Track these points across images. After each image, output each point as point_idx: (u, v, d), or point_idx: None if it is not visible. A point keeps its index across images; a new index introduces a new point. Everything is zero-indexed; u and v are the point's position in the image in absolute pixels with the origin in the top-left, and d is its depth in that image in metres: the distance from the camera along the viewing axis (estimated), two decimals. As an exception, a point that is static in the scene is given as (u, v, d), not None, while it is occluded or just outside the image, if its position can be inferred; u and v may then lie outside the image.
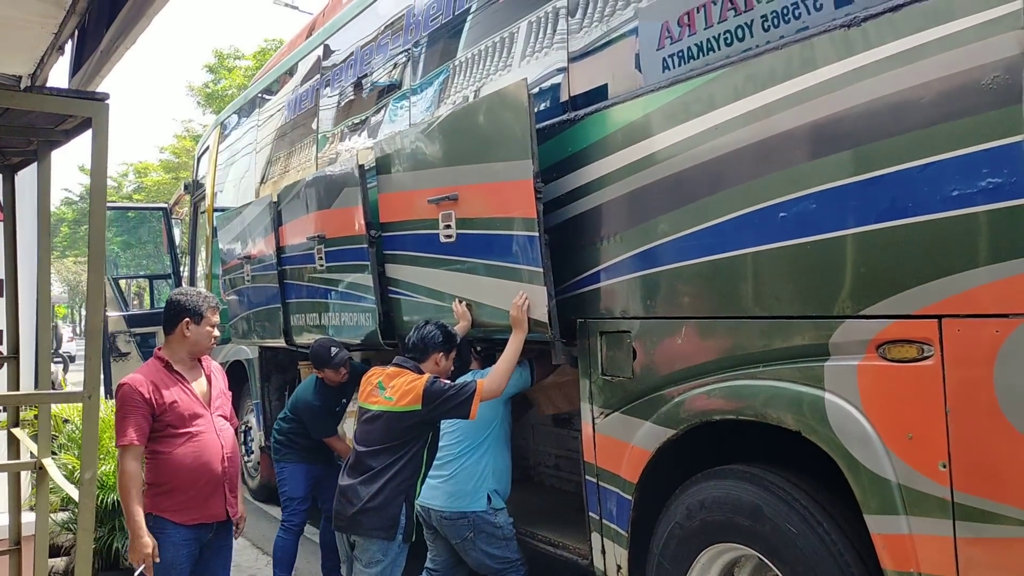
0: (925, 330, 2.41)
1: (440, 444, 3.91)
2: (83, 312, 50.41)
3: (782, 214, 2.82)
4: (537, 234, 3.62)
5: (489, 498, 4.14)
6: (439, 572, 4.30)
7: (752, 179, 2.94)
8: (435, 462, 3.97)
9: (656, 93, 3.32)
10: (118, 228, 23.57)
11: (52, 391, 2.78)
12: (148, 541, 3.38)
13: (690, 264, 3.17)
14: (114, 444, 5.01)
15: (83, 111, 2.36)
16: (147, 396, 3.47)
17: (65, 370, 18.05)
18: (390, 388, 3.64)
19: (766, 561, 2.97)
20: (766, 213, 2.88)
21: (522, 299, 3.67)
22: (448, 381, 3.66)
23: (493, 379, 3.65)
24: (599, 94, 3.65)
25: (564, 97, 3.86)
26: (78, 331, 44.43)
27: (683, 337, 3.22)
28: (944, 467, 2.37)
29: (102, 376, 9.00)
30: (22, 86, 2.48)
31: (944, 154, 2.38)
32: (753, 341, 2.95)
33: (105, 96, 2.34)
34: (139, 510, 3.39)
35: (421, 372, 3.69)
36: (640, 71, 3.41)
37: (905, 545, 2.47)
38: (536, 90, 3.96)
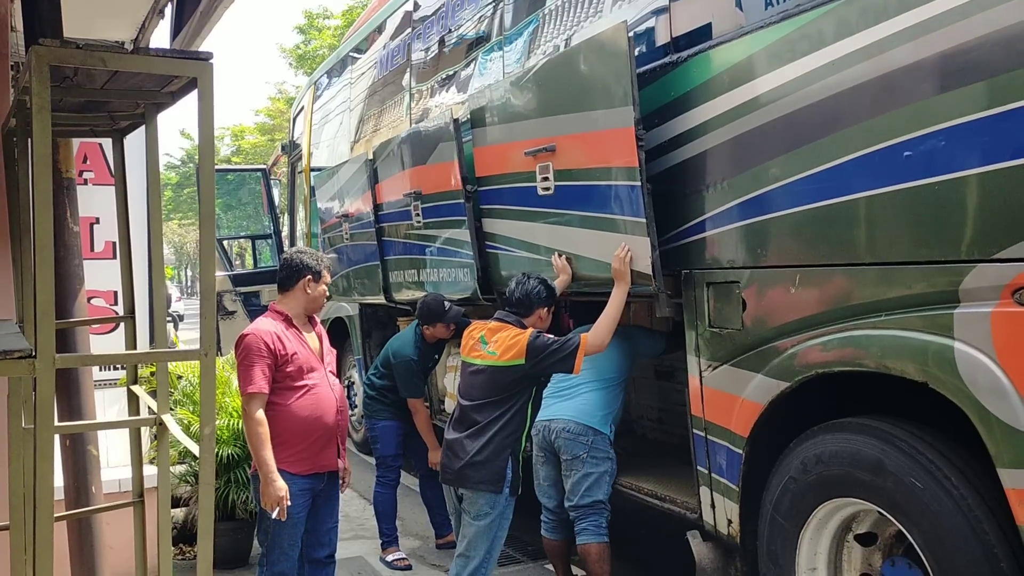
0: (1068, 273, 2.24)
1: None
2: (189, 273, 52.38)
3: (907, 153, 2.65)
4: (639, 183, 3.51)
5: (611, 428, 4.12)
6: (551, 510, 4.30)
7: (871, 118, 2.77)
8: (562, 385, 3.95)
9: (763, 31, 3.16)
10: (219, 191, 24.30)
11: (169, 349, 2.86)
12: (282, 485, 3.49)
13: (804, 209, 3.03)
14: (224, 399, 5.21)
15: (188, 71, 2.36)
16: (271, 346, 3.56)
17: (176, 328, 18.81)
18: (493, 343, 3.63)
19: (887, 516, 2.86)
20: (889, 153, 2.71)
21: (624, 251, 3.59)
22: (551, 336, 3.62)
23: (597, 333, 3.60)
24: (702, 34, 3.51)
25: (665, 39, 3.72)
26: (186, 291, 46.30)
27: (797, 286, 3.10)
28: (1089, 419, 2.22)
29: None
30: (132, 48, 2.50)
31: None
32: (873, 289, 2.81)
33: (209, 55, 2.34)
34: (271, 456, 3.49)
35: (524, 327, 3.67)
36: (741, 8, 3.25)
37: (1044, 501, 2.33)
38: (634, 33, 3.84)
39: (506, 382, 3.57)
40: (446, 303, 5.08)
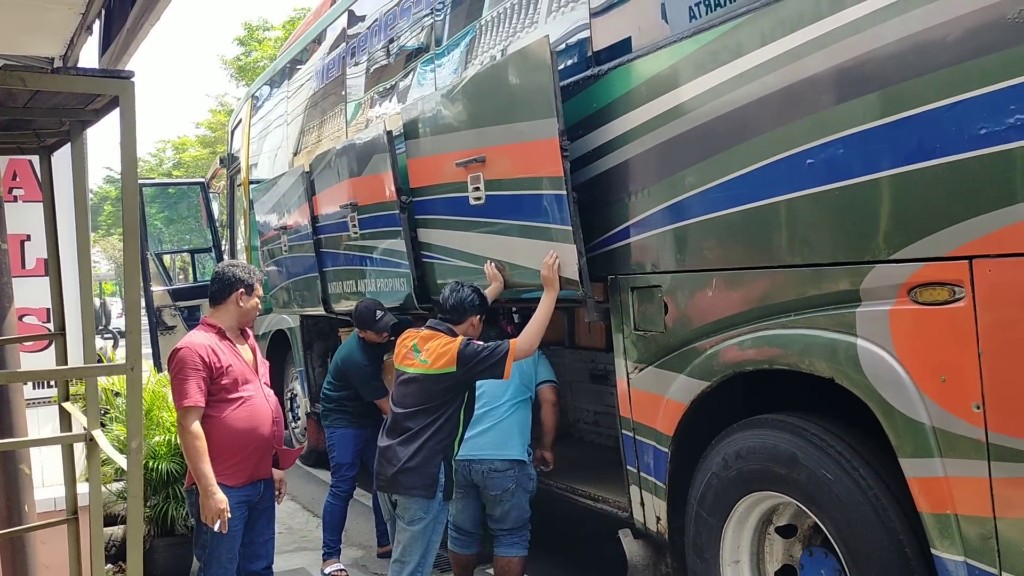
0: (956, 272, 2.39)
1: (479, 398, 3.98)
2: (131, 289, 51.27)
3: (809, 160, 2.79)
4: (565, 192, 3.62)
5: (528, 451, 4.22)
6: (466, 531, 4.39)
7: (778, 126, 2.91)
8: (478, 414, 4.04)
9: (680, 43, 3.28)
10: (160, 204, 23.93)
11: (96, 364, 2.86)
12: (222, 497, 3.50)
13: (718, 215, 3.16)
14: (162, 415, 5.18)
15: (110, 90, 2.39)
16: (206, 359, 3.58)
17: (115, 346, 18.48)
18: (425, 351, 3.69)
19: (803, 508, 2.99)
20: (793, 160, 2.85)
21: (552, 258, 3.68)
22: (481, 343, 3.70)
23: (526, 339, 3.68)
24: (623, 48, 3.63)
25: (586, 52, 3.83)
26: (127, 308, 45.35)
27: (714, 289, 3.22)
28: (978, 408, 2.36)
29: (150, 349, 9.22)
30: (54, 67, 2.52)
31: (970, 92, 2.34)
32: (784, 290, 2.94)
33: (130, 74, 2.37)
34: (210, 469, 3.50)
35: (455, 334, 3.73)
36: (666, 21, 3.38)
37: (941, 487, 2.47)
38: (562, 47, 3.95)
39: (438, 390, 3.64)
40: (378, 312, 5.12)
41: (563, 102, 3.62)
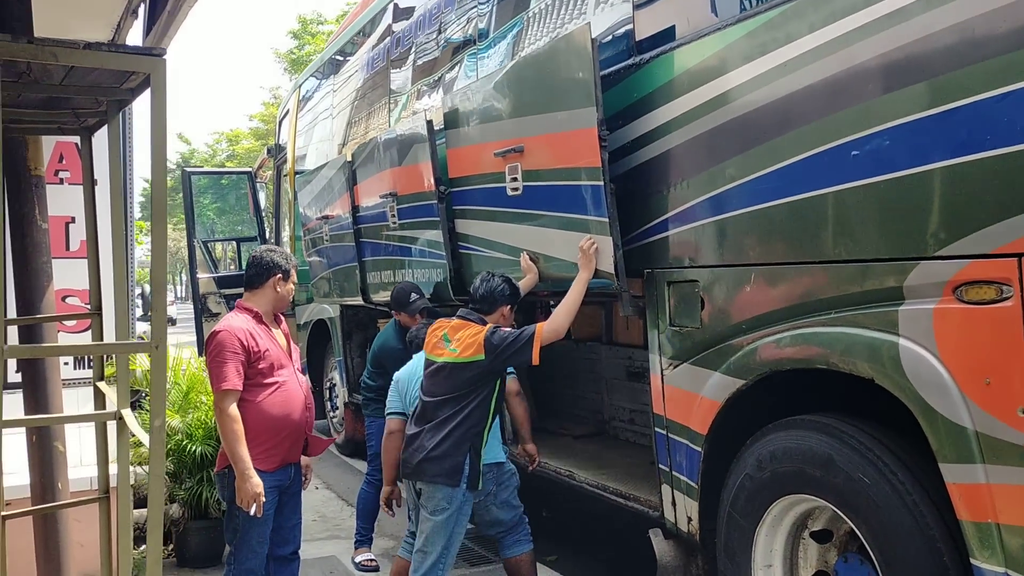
0: (1004, 269, 2.27)
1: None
2: (183, 277, 52.30)
3: (854, 152, 2.69)
4: (603, 183, 3.55)
5: (504, 449, 4.13)
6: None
7: (823, 116, 2.81)
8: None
9: (721, 32, 3.20)
10: (211, 194, 24.31)
11: (120, 342, 2.87)
12: (258, 481, 3.50)
13: (759, 208, 3.07)
14: (200, 397, 5.22)
15: (141, 67, 2.39)
16: (244, 343, 3.58)
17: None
18: (455, 340, 3.65)
19: (839, 513, 2.88)
20: (838, 152, 2.75)
21: (589, 241, 3.63)
22: (508, 329, 3.66)
23: (555, 320, 3.63)
24: (666, 36, 3.55)
25: (629, 41, 3.76)
26: (179, 295, 46.20)
27: (752, 285, 3.13)
28: (1025, 414, 2.25)
29: (195, 335, 9.33)
30: (86, 43, 2.52)
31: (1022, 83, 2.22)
32: (825, 287, 2.84)
33: (161, 52, 2.37)
34: (247, 453, 3.50)
35: (485, 324, 3.69)
36: (711, 8, 3.30)
37: (982, 494, 2.36)
38: (608, 37, 3.88)
39: (467, 378, 3.60)
40: (413, 294, 5.08)
41: (603, 91, 3.56)
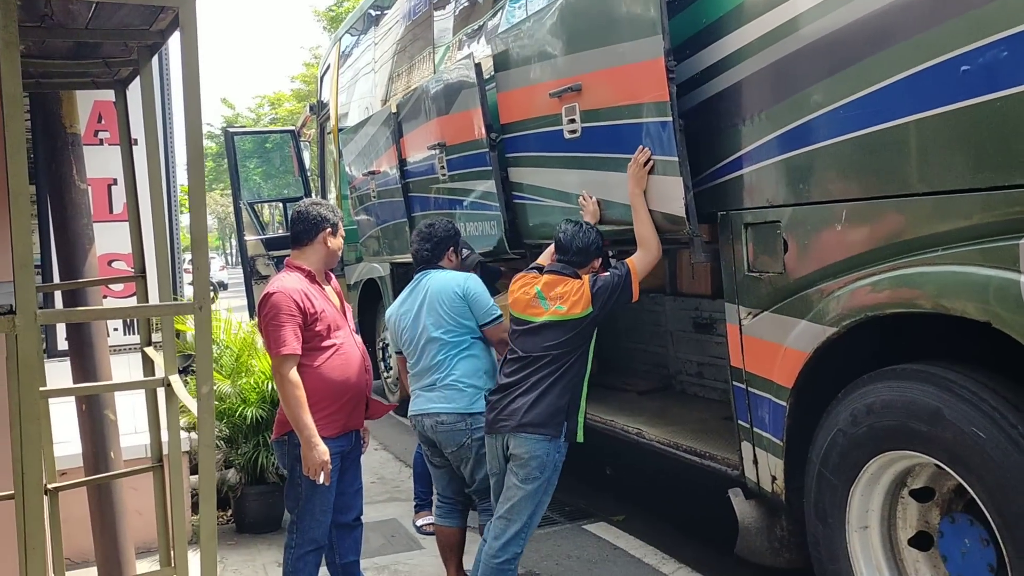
0: None
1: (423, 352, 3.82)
2: (232, 242, 52.90)
3: (964, 67, 2.38)
4: (671, 119, 3.27)
5: (486, 395, 3.80)
6: (451, 498, 4.12)
7: (926, 30, 2.49)
8: (418, 369, 3.83)
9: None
10: (255, 155, 24.29)
11: (161, 303, 2.70)
12: (324, 449, 3.34)
13: (850, 138, 2.77)
14: (251, 361, 5.09)
15: (168, 1, 2.18)
16: (300, 304, 3.38)
17: (215, 296, 18.88)
18: (556, 298, 3.46)
19: (946, 469, 2.62)
20: (944, 69, 2.44)
21: (643, 151, 3.45)
22: (605, 275, 3.47)
23: (645, 249, 3.50)
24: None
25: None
26: (229, 260, 46.74)
27: (843, 223, 2.84)
28: None
29: (245, 299, 9.27)
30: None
31: None
32: (928, 221, 2.55)
33: (190, -17, 2.15)
34: (311, 419, 3.33)
35: (579, 277, 3.49)
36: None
37: None
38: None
39: (576, 333, 3.44)
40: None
41: (669, 18, 3.26)
